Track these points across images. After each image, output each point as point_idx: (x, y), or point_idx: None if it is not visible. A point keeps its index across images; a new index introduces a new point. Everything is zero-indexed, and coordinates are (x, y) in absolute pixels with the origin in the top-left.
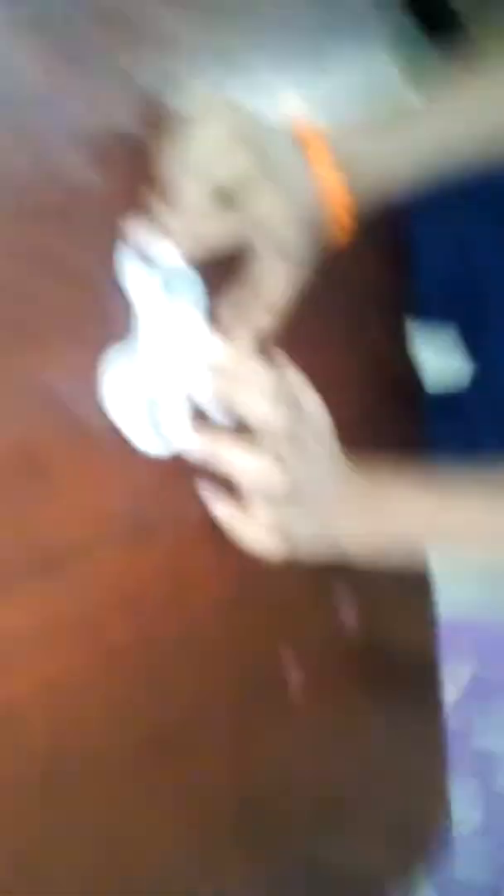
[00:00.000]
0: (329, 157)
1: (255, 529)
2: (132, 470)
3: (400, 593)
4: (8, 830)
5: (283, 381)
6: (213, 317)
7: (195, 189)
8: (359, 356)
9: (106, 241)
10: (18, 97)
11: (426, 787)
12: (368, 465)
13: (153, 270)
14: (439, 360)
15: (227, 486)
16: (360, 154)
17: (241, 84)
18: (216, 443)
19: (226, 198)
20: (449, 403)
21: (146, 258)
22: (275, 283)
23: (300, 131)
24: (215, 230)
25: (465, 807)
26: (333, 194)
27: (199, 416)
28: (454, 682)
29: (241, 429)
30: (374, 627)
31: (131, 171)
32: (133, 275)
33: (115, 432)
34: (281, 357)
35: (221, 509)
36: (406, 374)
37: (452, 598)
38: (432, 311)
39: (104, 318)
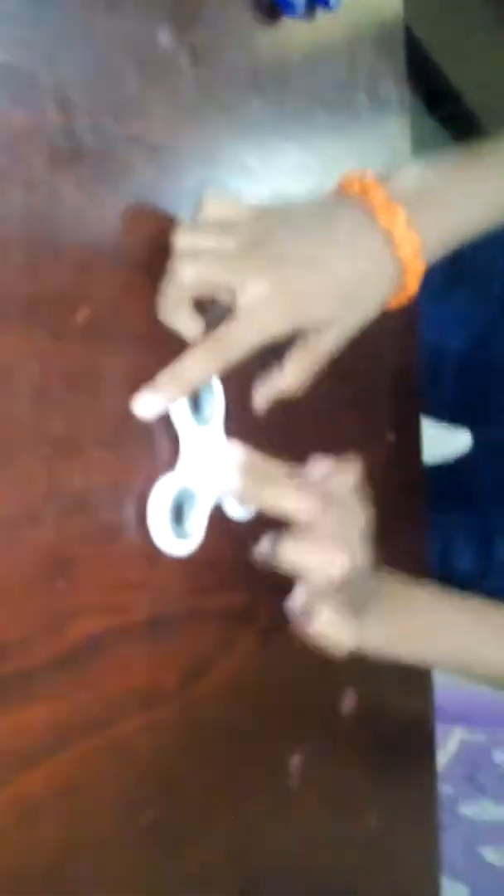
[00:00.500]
0: (396, 210)
1: (327, 621)
2: (152, 568)
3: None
4: None
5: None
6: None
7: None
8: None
9: (142, 355)
10: (57, 216)
11: (420, 861)
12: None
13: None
14: (439, 430)
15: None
16: (428, 200)
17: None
18: (282, 542)
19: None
20: (450, 474)
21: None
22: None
23: (355, 186)
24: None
25: (452, 878)
26: (406, 247)
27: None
28: (443, 747)
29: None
30: (373, 702)
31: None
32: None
33: (137, 534)
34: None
35: (298, 601)
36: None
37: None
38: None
39: (135, 427)
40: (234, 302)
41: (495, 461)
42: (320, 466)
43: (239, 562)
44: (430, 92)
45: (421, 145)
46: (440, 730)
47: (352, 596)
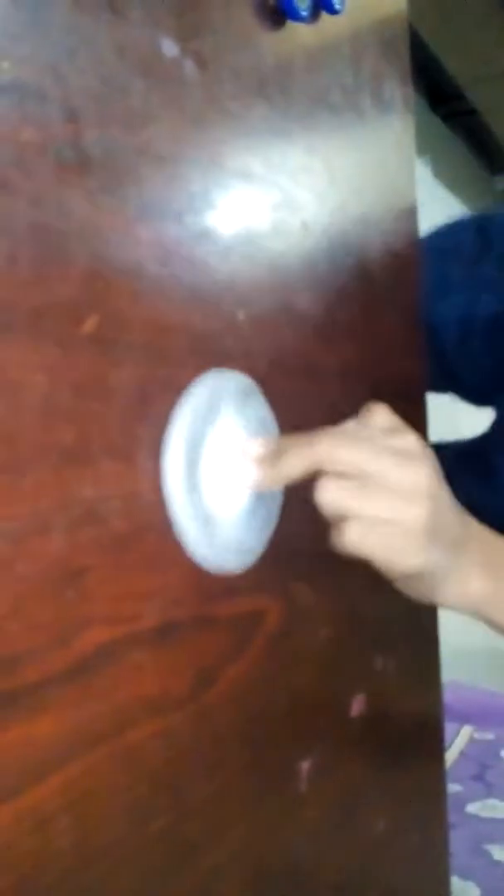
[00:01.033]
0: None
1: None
2: (162, 576)
3: (411, 657)
4: None
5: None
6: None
7: None
8: None
9: (151, 365)
10: (65, 228)
11: (430, 861)
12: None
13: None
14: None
15: None
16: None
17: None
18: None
19: None
20: (468, 454)
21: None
22: None
23: None
24: None
25: (461, 877)
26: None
27: None
28: (452, 746)
29: None
30: (383, 705)
31: (172, 298)
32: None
33: (147, 543)
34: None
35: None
36: None
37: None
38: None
39: (144, 436)
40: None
41: None
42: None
43: (248, 568)
44: (433, 90)
45: (425, 144)
46: (449, 728)
47: (436, 517)
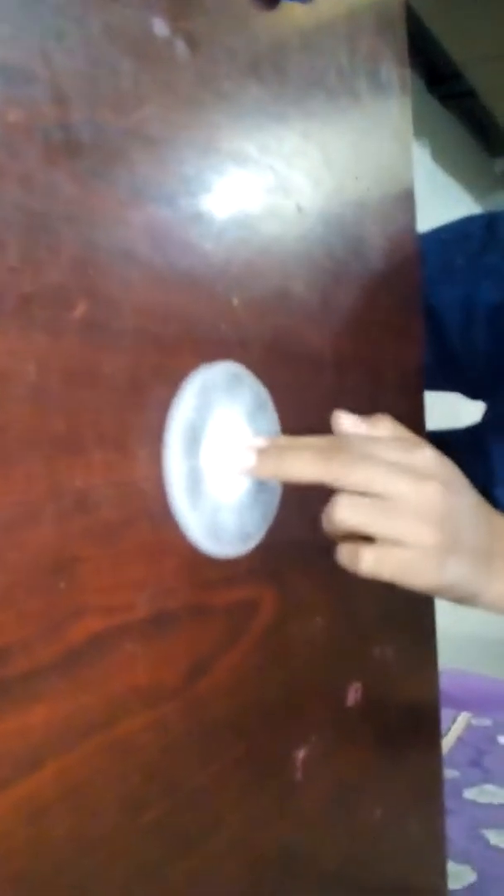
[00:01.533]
0: None
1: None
2: (154, 566)
3: (407, 645)
4: None
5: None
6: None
7: None
8: None
9: (143, 351)
10: (53, 211)
11: (426, 848)
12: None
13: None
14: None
15: None
16: None
17: (266, 142)
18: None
19: None
20: (466, 434)
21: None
22: None
23: None
24: None
25: (458, 861)
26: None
27: None
28: (449, 732)
29: None
30: (379, 694)
31: (164, 283)
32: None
33: (139, 533)
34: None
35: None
36: None
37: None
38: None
39: (136, 424)
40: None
41: None
42: (350, 428)
43: (241, 556)
44: (431, 71)
45: (423, 126)
46: (446, 715)
47: (453, 532)
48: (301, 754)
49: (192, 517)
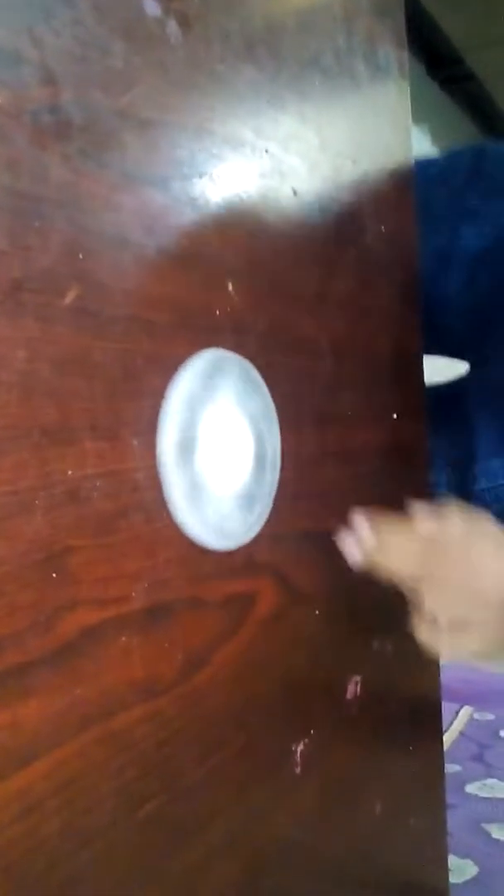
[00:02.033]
0: None
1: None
2: (149, 557)
3: (408, 639)
4: None
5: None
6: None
7: None
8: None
9: (135, 338)
10: (43, 195)
11: (428, 842)
12: None
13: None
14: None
15: None
16: None
17: (261, 125)
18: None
19: None
20: (447, 397)
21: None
22: None
23: None
24: None
25: (459, 856)
26: None
27: None
28: (451, 727)
29: None
30: (379, 687)
31: (158, 269)
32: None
33: (132, 524)
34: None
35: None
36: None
37: None
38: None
39: (129, 413)
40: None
41: (489, 371)
42: (427, 519)
43: (238, 548)
44: (431, 54)
45: (422, 110)
46: (449, 709)
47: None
48: (300, 748)
49: (188, 509)
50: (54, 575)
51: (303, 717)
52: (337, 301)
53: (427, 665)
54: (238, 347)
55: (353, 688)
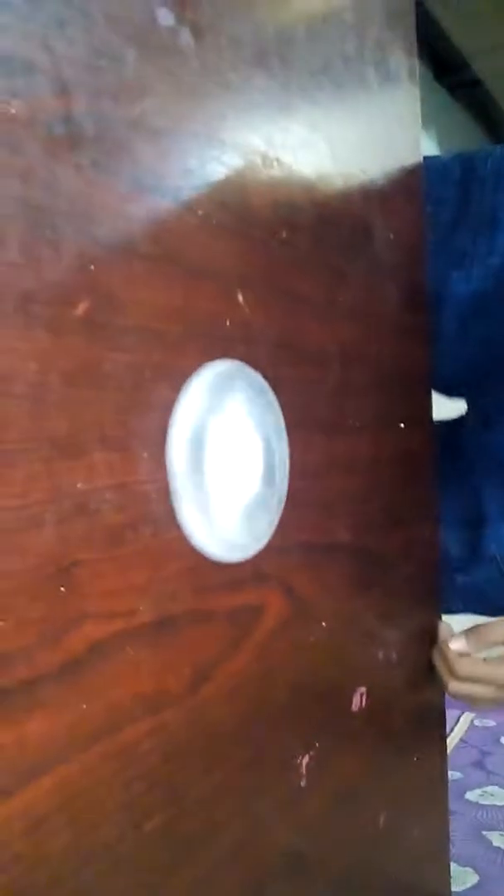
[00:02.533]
0: None
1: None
2: (157, 570)
3: (414, 647)
4: None
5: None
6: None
7: None
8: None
9: (145, 349)
10: (55, 206)
11: (430, 851)
12: None
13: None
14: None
15: None
16: None
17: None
18: None
19: None
20: (451, 455)
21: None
22: None
23: None
24: None
25: (460, 864)
26: None
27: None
28: (453, 733)
29: None
30: (384, 698)
31: (168, 279)
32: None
33: (141, 537)
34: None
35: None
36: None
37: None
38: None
39: (139, 426)
40: None
41: (492, 436)
42: None
43: (244, 561)
44: (438, 61)
45: (430, 116)
46: (449, 715)
47: None
48: (305, 760)
49: (197, 521)
50: (63, 589)
51: (308, 729)
52: (346, 310)
53: (432, 674)
54: (248, 358)
55: (359, 699)
